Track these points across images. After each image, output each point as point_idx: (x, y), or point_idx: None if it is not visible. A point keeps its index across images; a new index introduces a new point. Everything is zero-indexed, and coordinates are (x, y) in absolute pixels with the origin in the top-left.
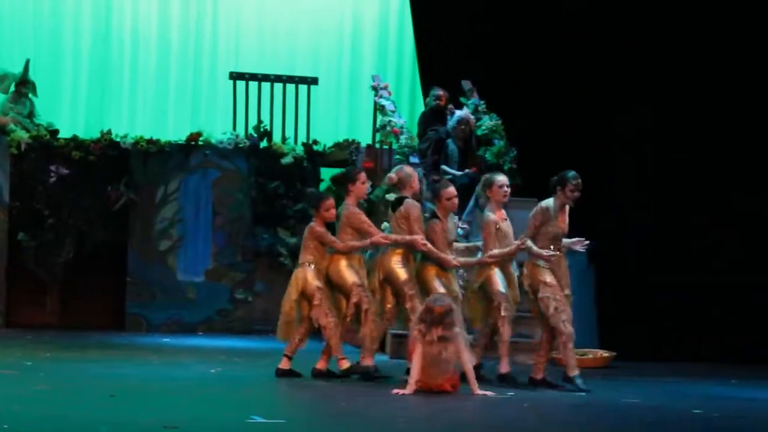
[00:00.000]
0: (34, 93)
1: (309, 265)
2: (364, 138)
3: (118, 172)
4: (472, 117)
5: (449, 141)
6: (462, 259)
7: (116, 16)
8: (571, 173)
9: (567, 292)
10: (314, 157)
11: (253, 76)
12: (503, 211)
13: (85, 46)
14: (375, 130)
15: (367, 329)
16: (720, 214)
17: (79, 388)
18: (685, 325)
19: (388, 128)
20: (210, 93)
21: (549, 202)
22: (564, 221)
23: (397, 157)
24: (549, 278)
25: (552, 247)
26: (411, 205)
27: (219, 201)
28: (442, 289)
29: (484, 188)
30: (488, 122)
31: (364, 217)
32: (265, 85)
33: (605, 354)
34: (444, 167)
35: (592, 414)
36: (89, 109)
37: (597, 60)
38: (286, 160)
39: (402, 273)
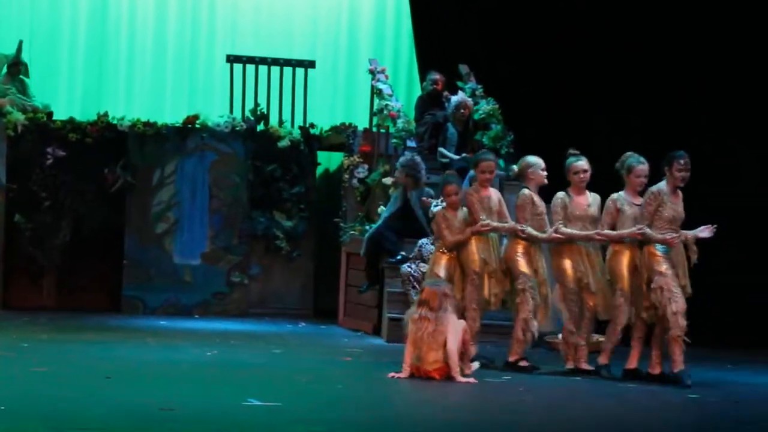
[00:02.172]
0: (26, 74)
1: (442, 250)
2: (361, 121)
3: (115, 154)
4: (469, 100)
5: (449, 125)
6: (564, 230)
7: None
8: (679, 152)
9: (684, 282)
10: (311, 140)
11: (251, 59)
12: (639, 198)
13: (82, 28)
14: (372, 114)
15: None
16: (715, 213)
17: (76, 370)
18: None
19: (385, 112)
20: (207, 76)
21: (661, 185)
22: (678, 204)
23: (394, 140)
24: (665, 267)
25: (670, 230)
26: (519, 194)
27: (216, 184)
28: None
29: (625, 171)
30: (485, 106)
31: (475, 200)
32: (262, 68)
33: (600, 338)
34: (442, 150)
35: (587, 398)
36: (86, 91)
37: (596, 45)
38: (283, 143)
39: (521, 265)
